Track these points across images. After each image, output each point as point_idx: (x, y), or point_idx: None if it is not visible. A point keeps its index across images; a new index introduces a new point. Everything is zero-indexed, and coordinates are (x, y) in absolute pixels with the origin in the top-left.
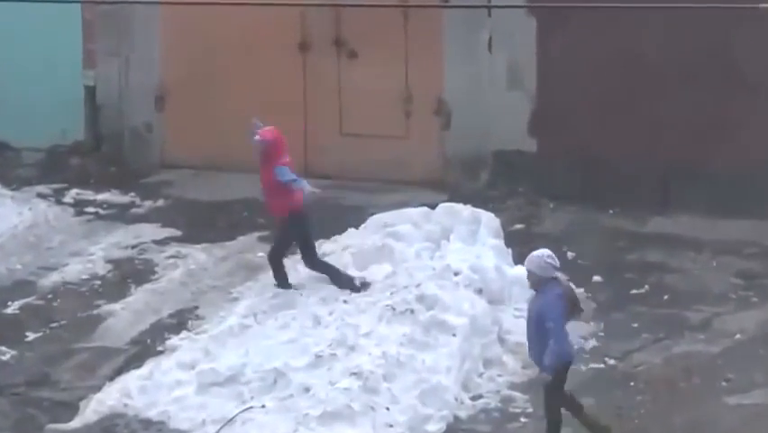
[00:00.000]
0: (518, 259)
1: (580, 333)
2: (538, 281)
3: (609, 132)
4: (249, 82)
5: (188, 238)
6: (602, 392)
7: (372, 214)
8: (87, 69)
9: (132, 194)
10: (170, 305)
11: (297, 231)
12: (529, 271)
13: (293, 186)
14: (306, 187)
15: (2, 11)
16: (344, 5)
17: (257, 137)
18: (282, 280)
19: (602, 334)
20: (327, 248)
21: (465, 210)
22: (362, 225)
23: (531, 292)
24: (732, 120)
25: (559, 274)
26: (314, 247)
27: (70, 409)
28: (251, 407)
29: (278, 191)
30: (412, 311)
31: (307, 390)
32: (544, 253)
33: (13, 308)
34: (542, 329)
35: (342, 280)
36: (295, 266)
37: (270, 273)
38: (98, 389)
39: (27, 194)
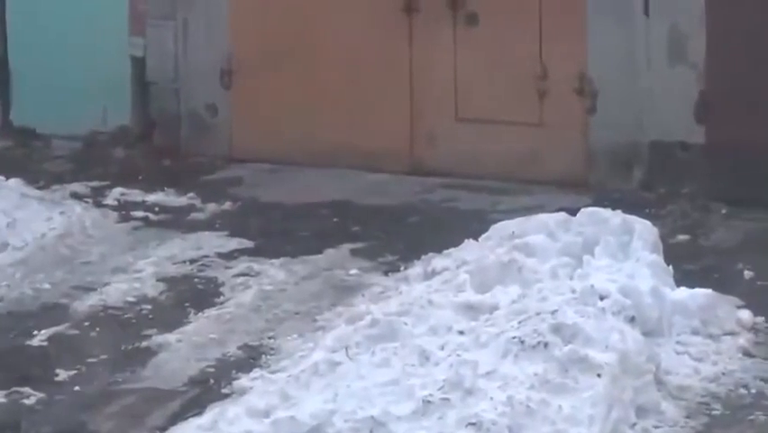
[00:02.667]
0: (682, 279)
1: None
2: None
3: None
4: (340, 53)
5: (262, 251)
6: None
7: (496, 221)
8: (135, 35)
9: (192, 194)
10: (239, 336)
11: None
12: None
13: None
14: None
15: None
16: None
17: None
18: None
19: None
20: (438, 264)
21: (614, 217)
22: (483, 236)
23: (696, 321)
24: None
25: None
26: None
27: None
28: None
29: None
30: (546, 345)
31: None
32: None
33: (40, 338)
34: None
35: None
36: (397, 286)
37: (367, 296)
38: None
39: (58, 194)
